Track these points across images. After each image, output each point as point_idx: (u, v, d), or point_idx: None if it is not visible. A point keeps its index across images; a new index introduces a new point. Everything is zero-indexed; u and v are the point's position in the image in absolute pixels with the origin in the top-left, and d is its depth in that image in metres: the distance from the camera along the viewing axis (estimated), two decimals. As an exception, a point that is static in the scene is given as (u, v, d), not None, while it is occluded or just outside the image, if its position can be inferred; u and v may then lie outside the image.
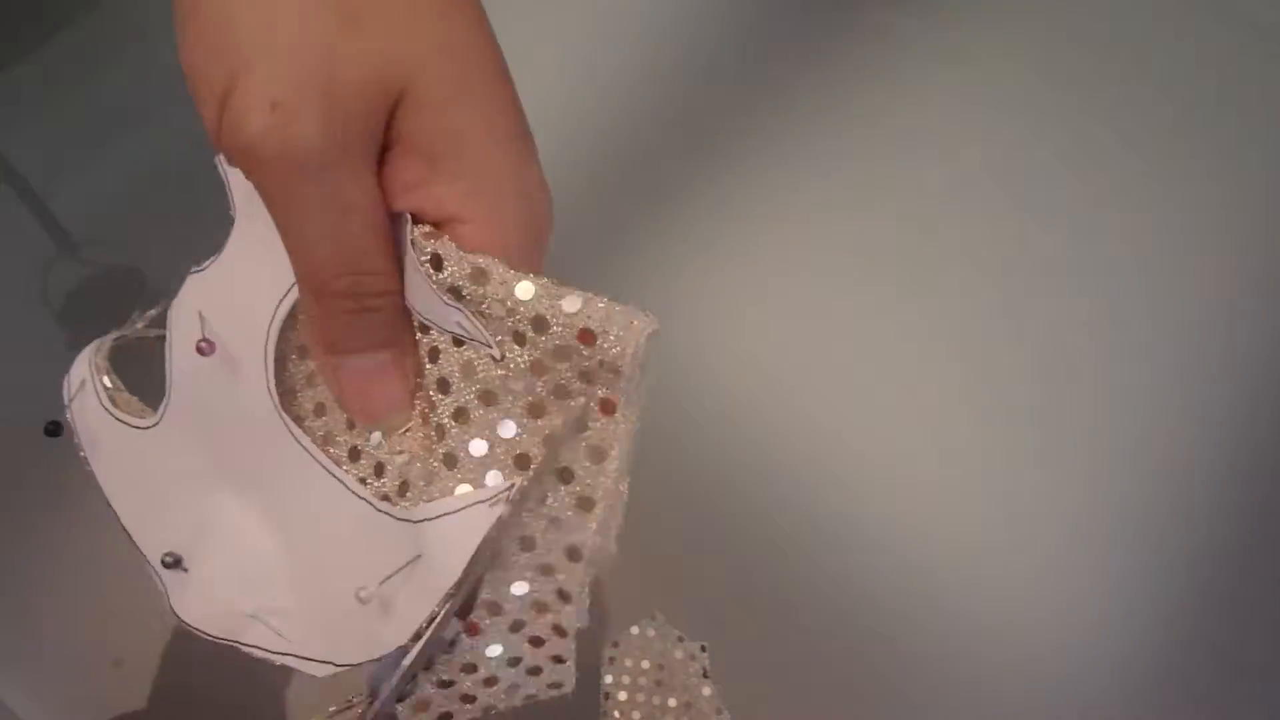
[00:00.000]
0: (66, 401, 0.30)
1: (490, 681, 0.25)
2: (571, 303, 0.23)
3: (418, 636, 0.24)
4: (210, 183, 0.56)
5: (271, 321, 0.25)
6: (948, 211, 0.54)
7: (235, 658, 0.42)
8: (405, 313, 0.24)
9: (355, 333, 0.23)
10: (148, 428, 0.29)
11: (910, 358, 0.50)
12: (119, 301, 0.51)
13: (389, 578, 0.24)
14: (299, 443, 0.26)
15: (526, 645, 0.25)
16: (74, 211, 0.53)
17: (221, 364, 0.26)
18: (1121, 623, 0.45)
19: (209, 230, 0.54)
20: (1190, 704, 0.44)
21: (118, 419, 0.30)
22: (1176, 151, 0.56)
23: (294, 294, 0.25)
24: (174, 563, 0.28)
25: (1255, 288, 0.52)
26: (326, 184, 0.21)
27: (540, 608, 0.25)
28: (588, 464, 0.23)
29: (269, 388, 0.26)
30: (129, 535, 0.29)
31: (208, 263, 0.28)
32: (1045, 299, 0.52)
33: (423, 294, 0.23)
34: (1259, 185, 0.55)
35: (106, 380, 0.30)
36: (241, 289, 0.27)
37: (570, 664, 0.25)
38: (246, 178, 0.23)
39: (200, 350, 0.26)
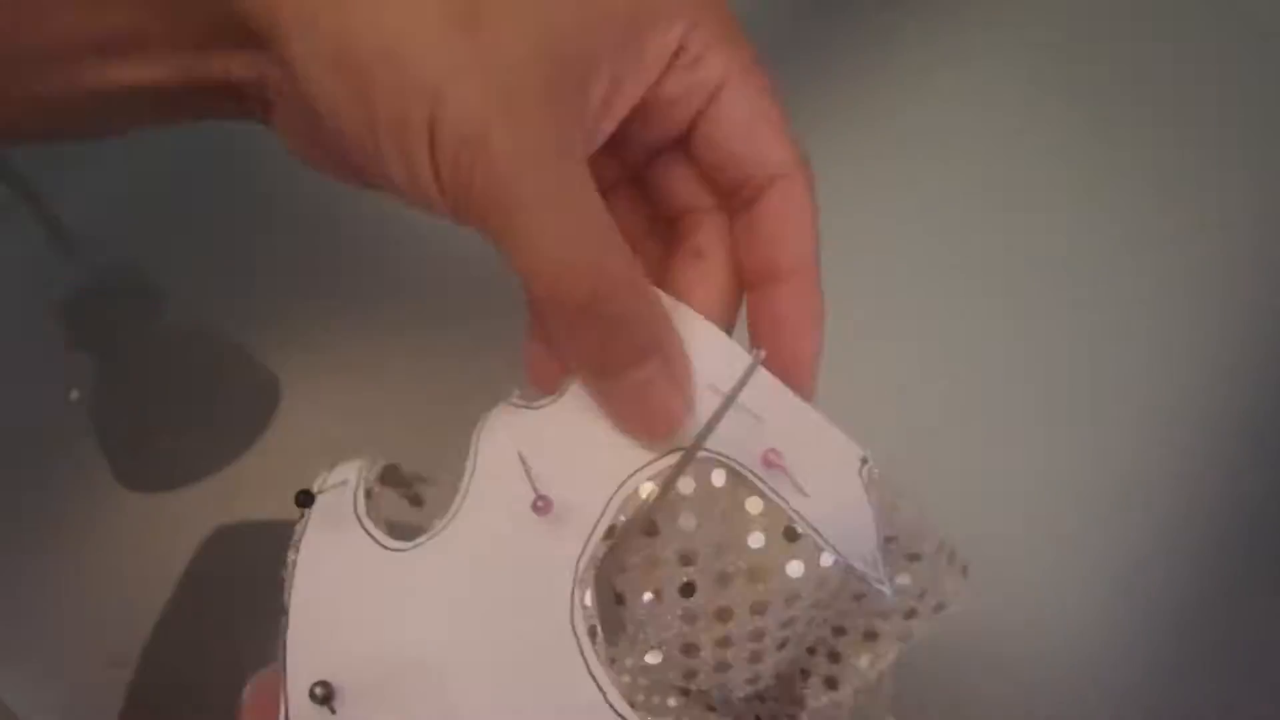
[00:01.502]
0: (316, 488, 0.27)
1: None
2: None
3: None
4: (211, 182, 0.57)
5: (611, 500, 0.22)
6: (947, 212, 0.54)
7: (235, 660, 0.42)
8: (662, 312, 0.22)
9: (614, 346, 0.21)
10: (395, 550, 0.24)
11: (910, 358, 0.50)
12: (119, 301, 0.51)
13: None
14: (578, 643, 0.22)
15: None
16: (74, 211, 0.53)
17: (538, 523, 0.22)
18: (1122, 623, 0.45)
19: (209, 230, 0.54)
20: (1191, 704, 0.44)
21: (364, 528, 0.26)
22: (1176, 151, 0.56)
23: (650, 470, 0.22)
24: (324, 697, 0.22)
25: (1256, 287, 0.52)
26: (556, 181, 0.19)
27: None
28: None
29: (577, 570, 0.22)
30: (282, 646, 0.25)
31: (542, 401, 0.24)
32: (1045, 299, 0.52)
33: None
34: (1259, 185, 0.55)
35: (369, 490, 0.26)
36: (581, 448, 0.23)
37: None
38: (466, 221, 0.20)
39: (536, 508, 0.22)
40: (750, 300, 0.24)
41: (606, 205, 0.20)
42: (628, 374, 0.21)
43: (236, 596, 0.43)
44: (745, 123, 0.23)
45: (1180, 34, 0.59)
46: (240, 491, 0.45)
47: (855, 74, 0.58)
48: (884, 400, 0.49)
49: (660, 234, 0.25)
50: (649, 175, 0.25)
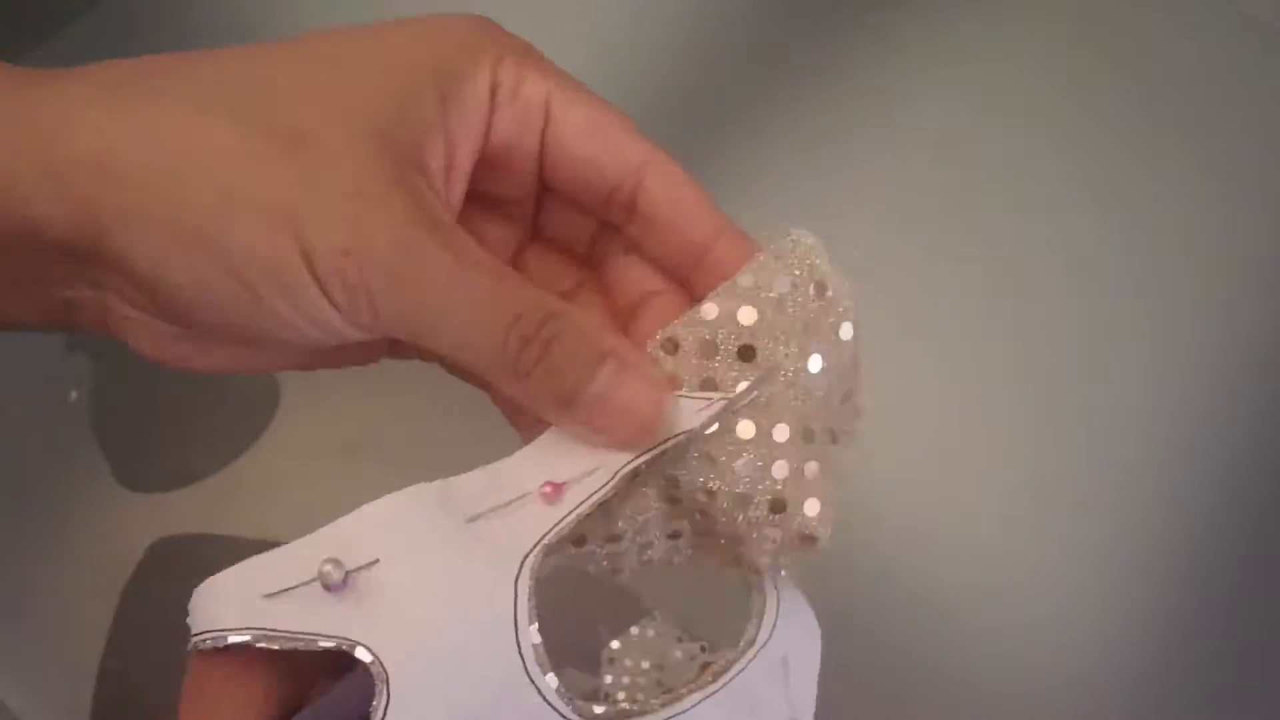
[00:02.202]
0: None
1: None
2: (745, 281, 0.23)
3: None
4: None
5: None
6: (946, 212, 0.54)
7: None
8: (594, 321, 0.22)
9: (565, 370, 0.20)
10: None
11: (909, 358, 0.50)
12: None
13: None
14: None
15: None
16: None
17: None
18: (1122, 623, 0.45)
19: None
20: (1191, 704, 0.44)
21: None
22: (1176, 151, 0.56)
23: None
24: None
25: (1256, 287, 0.52)
26: (446, 254, 0.20)
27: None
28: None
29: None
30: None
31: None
32: (1045, 299, 0.52)
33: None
34: (1260, 185, 0.55)
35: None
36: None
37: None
38: (372, 328, 0.20)
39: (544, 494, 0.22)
40: (692, 285, 0.24)
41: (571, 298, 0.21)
42: (586, 392, 0.20)
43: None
44: (586, 125, 0.23)
45: (1182, 34, 0.59)
46: (240, 491, 0.45)
47: (854, 73, 0.58)
48: (882, 400, 0.49)
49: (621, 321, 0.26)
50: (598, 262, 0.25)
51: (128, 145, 0.18)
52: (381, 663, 0.20)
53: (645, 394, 0.21)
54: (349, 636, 0.20)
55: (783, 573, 0.26)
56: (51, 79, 0.20)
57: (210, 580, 0.23)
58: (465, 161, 0.22)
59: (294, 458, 0.46)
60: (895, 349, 0.51)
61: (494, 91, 0.22)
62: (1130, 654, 0.44)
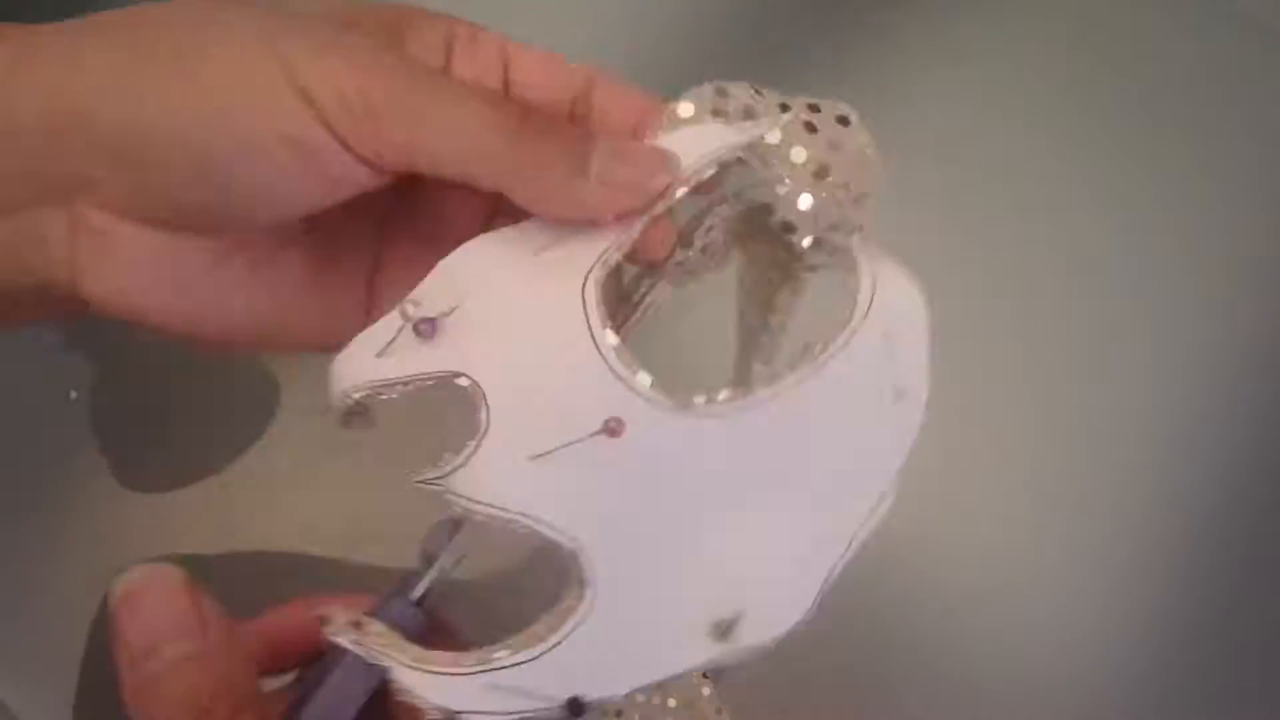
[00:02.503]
0: None
1: None
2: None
3: None
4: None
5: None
6: (946, 212, 0.54)
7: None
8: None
9: (573, 145, 0.22)
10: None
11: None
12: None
13: None
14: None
15: None
16: (74, 211, 0.53)
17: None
18: (1122, 623, 0.45)
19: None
20: (1191, 704, 0.44)
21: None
22: (1176, 151, 0.56)
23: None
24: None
25: (1257, 287, 0.52)
26: (436, 76, 0.22)
27: None
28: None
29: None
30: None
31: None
32: (1045, 299, 0.52)
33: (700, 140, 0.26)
34: (1260, 185, 0.55)
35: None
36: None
37: None
38: (381, 159, 0.21)
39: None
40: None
41: None
42: (594, 158, 0.22)
43: (237, 597, 0.43)
44: (539, 63, 0.26)
45: (1182, 34, 0.59)
46: (240, 491, 0.45)
47: (854, 73, 0.58)
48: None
49: None
50: None
51: (95, 22, 0.19)
52: (479, 384, 0.23)
53: (645, 146, 0.24)
54: (445, 369, 0.23)
55: (859, 240, 0.29)
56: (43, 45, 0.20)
57: (342, 353, 0.24)
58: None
59: (294, 458, 0.46)
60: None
61: (450, 42, 0.24)
62: (1130, 654, 0.44)
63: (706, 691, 0.37)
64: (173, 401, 0.49)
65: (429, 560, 0.26)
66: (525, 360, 0.24)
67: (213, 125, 0.19)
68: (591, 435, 0.24)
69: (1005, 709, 0.43)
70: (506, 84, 0.24)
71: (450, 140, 0.20)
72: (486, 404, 0.23)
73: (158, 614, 0.21)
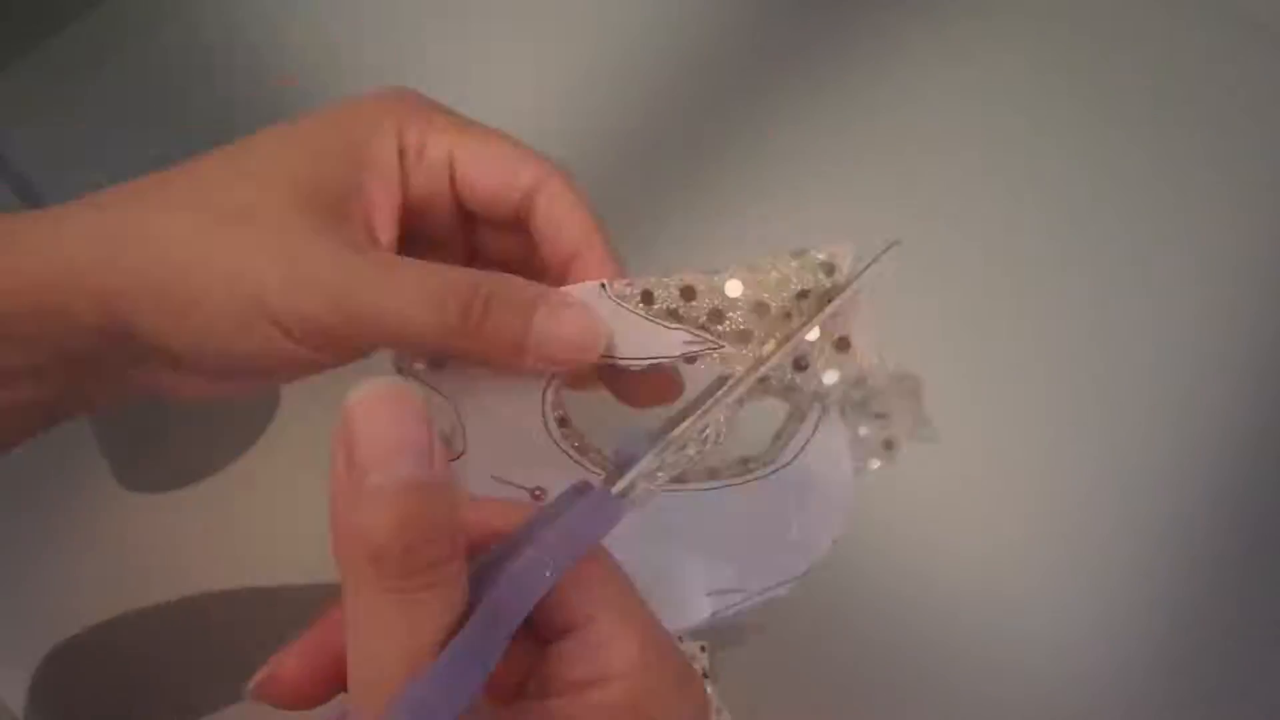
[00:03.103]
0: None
1: None
2: (787, 272, 0.27)
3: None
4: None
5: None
6: (947, 211, 0.54)
7: (236, 660, 0.42)
8: (521, 279, 0.26)
9: (509, 319, 0.25)
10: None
11: (909, 358, 0.50)
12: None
13: None
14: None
15: None
16: (74, 211, 0.53)
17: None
18: (1121, 626, 0.45)
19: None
20: (1190, 706, 0.44)
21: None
22: (1177, 150, 0.56)
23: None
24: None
25: (1257, 286, 0.52)
26: (381, 261, 0.26)
27: None
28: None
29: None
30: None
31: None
32: (1048, 296, 0.52)
33: (639, 335, 0.27)
34: (1260, 184, 0.55)
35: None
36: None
37: None
38: (332, 345, 0.25)
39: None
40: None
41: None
42: (533, 331, 0.24)
43: (237, 596, 0.43)
44: (486, 168, 0.27)
45: (1184, 30, 0.59)
46: (240, 491, 0.45)
47: (855, 72, 0.58)
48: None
49: None
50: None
51: (125, 251, 0.24)
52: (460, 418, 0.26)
53: (580, 320, 0.25)
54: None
55: (833, 414, 0.30)
56: (63, 213, 0.26)
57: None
58: (387, 209, 0.26)
59: (294, 458, 0.46)
60: (896, 348, 0.51)
61: (403, 155, 0.26)
62: (1129, 656, 0.44)
63: (708, 691, 0.37)
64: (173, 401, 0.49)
65: (623, 461, 0.25)
66: (498, 413, 0.27)
67: (207, 343, 0.24)
68: (528, 491, 0.28)
69: (1004, 711, 0.43)
70: (456, 196, 0.27)
71: (394, 331, 0.24)
72: (464, 433, 0.26)
73: (393, 430, 0.20)
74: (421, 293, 0.24)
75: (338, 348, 0.24)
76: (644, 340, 0.27)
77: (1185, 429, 0.49)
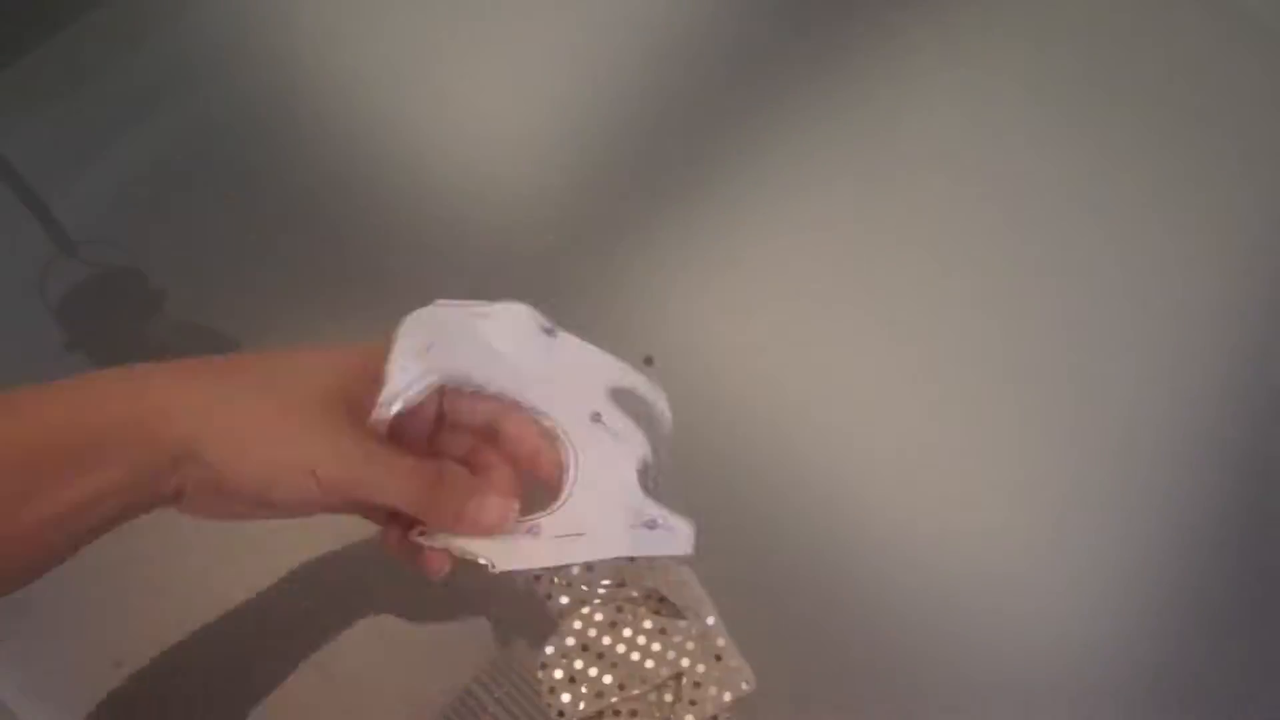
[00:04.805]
0: None
1: None
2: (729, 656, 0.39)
3: None
4: (210, 183, 0.56)
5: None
6: (949, 211, 0.54)
7: (236, 659, 0.42)
8: (489, 456, 0.38)
9: (451, 502, 0.36)
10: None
11: (911, 357, 0.51)
12: (118, 301, 0.51)
13: None
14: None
15: None
16: (74, 211, 0.53)
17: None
18: (1119, 619, 0.45)
19: (208, 230, 0.54)
20: (1190, 700, 0.44)
21: None
22: (1177, 150, 0.56)
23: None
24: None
25: (1255, 286, 0.52)
26: (382, 456, 0.35)
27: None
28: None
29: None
30: None
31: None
32: (1047, 300, 0.52)
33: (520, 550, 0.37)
34: (1260, 183, 0.55)
35: None
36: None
37: None
38: (348, 503, 0.36)
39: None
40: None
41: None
42: (466, 512, 0.36)
43: (236, 596, 0.43)
44: (469, 401, 0.38)
45: (1183, 35, 0.59)
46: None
47: (856, 75, 0.58)
48: (885, 400, 0.49)
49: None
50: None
51: (213, 415, 0.33)
52: None
53: (495, 510, 0.37)
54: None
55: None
56: (154, 374, 0.34)
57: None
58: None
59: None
60: (895, 346, 0.51)
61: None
62: (1128, 649, 0.44)
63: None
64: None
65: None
66: None
67: (264, 488, 0.34)
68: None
69: (1003, 703, 0.43)
70: (441, 414, 0.38)
71: (388, 499, 0.35)
72: None
73: None
74: (406, 478, 0.35)
75: (347, 500, 0.35)
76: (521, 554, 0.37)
77: (1187, 426, 0.49)
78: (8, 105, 0.57)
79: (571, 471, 0.38)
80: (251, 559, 0.43)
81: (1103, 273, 0.53)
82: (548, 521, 0.38)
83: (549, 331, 0.39)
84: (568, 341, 0.39)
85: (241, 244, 0.52)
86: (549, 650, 0.38)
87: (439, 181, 0.54)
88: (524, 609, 0.42)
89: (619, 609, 0.39)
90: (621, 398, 0.39)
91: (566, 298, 0.51)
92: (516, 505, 0.37)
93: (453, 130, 0.56)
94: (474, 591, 0.44)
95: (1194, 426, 0.49)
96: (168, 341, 0.50)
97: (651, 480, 0.39)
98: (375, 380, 0.35)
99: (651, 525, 0.38)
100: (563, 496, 0.38)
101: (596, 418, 0.39)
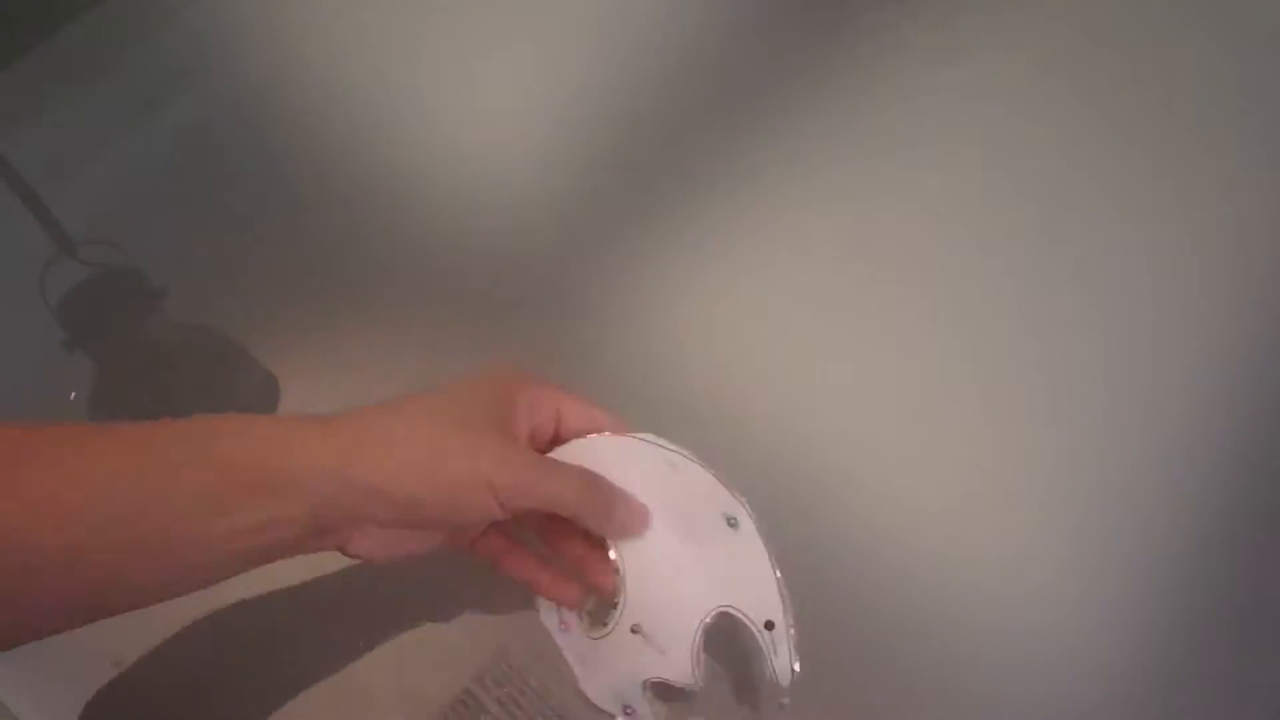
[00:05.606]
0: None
1: None
2: None
3: None
4: (210, 184, 0.56)
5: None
6: (946, 211, 0.54)
7: (235, 659, 0.42)
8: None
9: (607, 505, 0.39)
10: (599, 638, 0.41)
11: (910, 357, 0.50)
12: (119, 301, 0.51)
13: None
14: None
15: None
16: (74, 211, 0.53)
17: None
18: (1125, 628, 0.45)
19: (208, 229, 0.54)
20: (1192, 706, 0.44)
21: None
22: (1176, 149, 0.56)
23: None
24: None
25: (1256, 285, 0.52)
26: (548, 466, 0.39)
27: None
28: None
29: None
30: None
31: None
32: (1045, 298, 0.52)
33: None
34: (1260, 182, 0.55)
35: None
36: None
37: None
38: (521, 509, 0.37)
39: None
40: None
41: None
42: (616, 514, 0.39)
43: (236, 596, 0.43)
44: (576, 418, 0.41)
45: (1183, 31, 0.59)
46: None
47: (856, 72, 0.58)
48: (885, 397, 0.49)
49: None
50: None
51: (393, 444, 0.36)
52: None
53: (639, 512, 0.40)
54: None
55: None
56: (340, 426, 0.36)
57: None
58: (525, 432, 0.39)
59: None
60: (894, 346, 0.51)
61: (530, 405, 0.40)
62: (1134, 658, 0.44)
63: None
64: (173, 401, 0.49)
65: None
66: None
67: (449, 507, 0.36)
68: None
69: (1009, 712, 0.43)
70: (559, 419, 0.41)
71: (553, 503, 0.38)
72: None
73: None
74: (571, 480, 0.38)
75: (516, 507, 0.37)
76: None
77: (1188, 427, 0.49)
78: (8, 105, 0.57)
79: (610, 626, 0.40)
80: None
81: (1112, 266, 0.53)
82: (577, 635, 0.41)
83: (731, 523, 0.39)
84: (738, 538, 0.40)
85: (241, 244, 0.52)
86: None
87: (439, 182, 0.54)
88: (524, 609, 0.42)
89: None
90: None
91: (567, 298, 0.51)
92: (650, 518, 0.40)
93: (453, 130, 0.56)
94: (474, 592, 0.44)
95: (1221, 433, 0.49)
96: (168, 341, 0.50)
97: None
98: (515, 404, 0.39)
99: (630, 714, 0.40)
100: (596, 636, 0.41)
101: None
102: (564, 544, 0.41)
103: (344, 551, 0.37)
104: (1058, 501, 0.47)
